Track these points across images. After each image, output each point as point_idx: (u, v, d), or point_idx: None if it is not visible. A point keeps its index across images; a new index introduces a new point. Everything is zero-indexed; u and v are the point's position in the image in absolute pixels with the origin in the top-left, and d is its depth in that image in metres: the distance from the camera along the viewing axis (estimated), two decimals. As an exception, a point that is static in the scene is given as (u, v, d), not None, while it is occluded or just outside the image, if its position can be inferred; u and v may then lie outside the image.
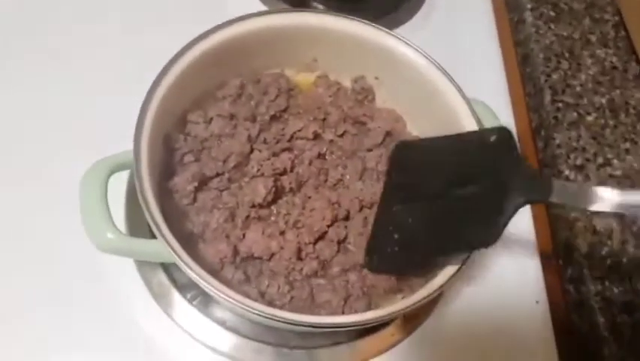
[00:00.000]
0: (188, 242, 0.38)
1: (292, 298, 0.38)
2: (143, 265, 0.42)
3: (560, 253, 0.50)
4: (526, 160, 0.34)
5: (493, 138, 0.36)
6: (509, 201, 0.33)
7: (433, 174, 0.37)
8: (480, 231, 0.34)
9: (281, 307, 0.37)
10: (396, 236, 0.36)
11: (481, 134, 0.38)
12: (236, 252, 0.39)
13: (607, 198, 0.32)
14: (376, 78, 0.47)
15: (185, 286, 0.42)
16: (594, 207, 0.32)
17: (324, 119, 0.46)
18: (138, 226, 0.43)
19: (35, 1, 0.53)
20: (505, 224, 0.33)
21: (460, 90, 0.42)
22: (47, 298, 0.40)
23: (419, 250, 0.36)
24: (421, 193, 0.36)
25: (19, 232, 0.42)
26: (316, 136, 0.44)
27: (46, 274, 0.41)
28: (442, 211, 0.36)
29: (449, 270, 0.35)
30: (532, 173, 0.35)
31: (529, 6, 0.61)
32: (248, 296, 0.34)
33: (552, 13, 0.61)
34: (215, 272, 0.37)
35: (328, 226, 0.40)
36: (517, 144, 0.35)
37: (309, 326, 0.33)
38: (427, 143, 0.40)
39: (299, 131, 0.44)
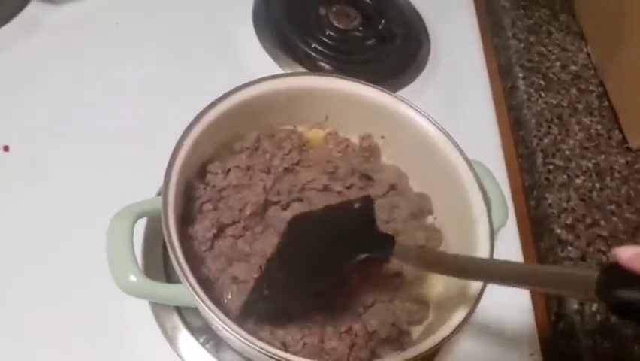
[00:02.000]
0: (205, 286, 0.40)
1: (305, 344, 0.39)
2: (158, 309, 0.43)
3: (552, 307, 0.53)
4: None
5: (357, 205, 0.41)
6: (355, 254, 0.37)
7: (306, 240, 0.42)
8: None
9: (295, 353, 0.38)
10: (265, 292, 0.39)
11: (349, 202, 0.44)
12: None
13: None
14: (382, 137, 0.51)
15: (198, 330, 0.43)
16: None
17: (333, 172, 0.48)
18: (154, 269, 0.44)
19: (65, 55, 0.56)
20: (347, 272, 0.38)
21: (460, 150, 0.45)
22: (63, 338, 0.41)
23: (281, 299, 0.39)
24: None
25: (44, 269, 0.44)
26: (325, 187, 0.47)
27: (64, 313, 0.42)
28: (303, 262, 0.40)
29: (450, 325, 0.38)
30: (381, 235, 0.39)
31: (520, 75, 0.66)
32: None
33: (542, 82, 0.65)
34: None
35: None
36: (375, 212, 0.41)
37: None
38: (311, 215, 0.44)
39: (310, 182, 0.47)
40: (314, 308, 0.40)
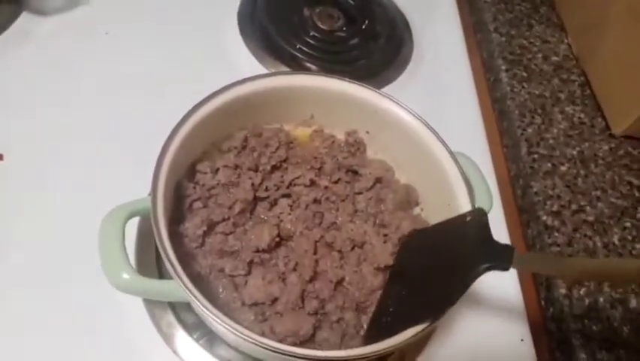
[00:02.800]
0: (197, 283, 0.40)
1: (296, 333, 0.40)
2: (153, 306, 0.44)
3: (541, 293, 0.53)
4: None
5: (468, 218, 0.42)
6: (475, 266, 0.37)
7: (424, 257, 0.43)
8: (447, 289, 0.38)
9: (288, 343, 0.39)
10: (391, 309, 0.40)
11: (460, 217, 0.43)
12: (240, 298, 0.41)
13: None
14: (367, 132, 0.52)
15: (192, 326, 0.44)
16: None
17: (319, 168, 0.49)
18: (147, 266, 0.45)
19: (56, 64, 0.57)
20: (470, 283, 0.38)
21: (443, 143, 0.46)
22: (58, 337, 0.42)
23: (408, 314, 0.40)
24: (409, 273, 0.42)
25: (33, 275, 0.44)
26: (312, 183, 0.48)
27: (58, 312, 0.43)
28: (424, 277, 0.41)
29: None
30: (501, 246, 0.39)
31: (503, 67, 0.67)
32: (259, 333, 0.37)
33: (524, 74, 0.67)
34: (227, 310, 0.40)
35: (316, 259, 0.43)
36: (489, 224, 0.40)
37: (310, 360, 0.36)
38: (423, 233, 0.45)
39: (297, 178, 0.48)
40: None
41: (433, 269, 0.41)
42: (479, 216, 0.41)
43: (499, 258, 0.37)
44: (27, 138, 0.51)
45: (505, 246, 0.38)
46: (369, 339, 0.41)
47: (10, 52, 0.57)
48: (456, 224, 0.43)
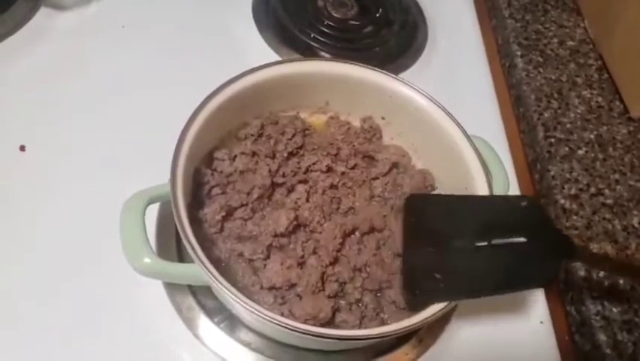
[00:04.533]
0: (217, 267, 0.41)
1: (315, 317, 0.40)
2: (173, 291, 0.45)
3: (560, 276, 0.53)
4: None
5: (524, 204, 0.41)
6: (551, 256, 0.39)
7: (454, 223, 0.42)
8: (531, 275, 0.39)
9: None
10: (437, 276, 0.39)
11: (511, 199, 0.44)
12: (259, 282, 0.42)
13: None
14: (383, 118, 0.52)
15: (213, 310, 0.44)
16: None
17: (336, 154, 0.50)
18: (167, 251, 0.46)
19: (74, 57, 0.59)
20: (557, 272, 0.40)
21: (459, 125, 0.46)
22: (80, 321, 0.43)
23: (463, 287, 0.40)
24: (449, 239, 0.41)
25: (53, 256, 0.45)
26: (329, 169, 0.48)
27: (80, 297, 0.44)
28: (483, 256, 0.39)
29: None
30: (564, 235, 0.40)
31: (518, 53, 0.66)
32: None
33: (540, 59, 0.66)
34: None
35: (341, 244, 0.43)
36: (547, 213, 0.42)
37: (331, 339, 0.36)
38: (441, 198, 0.45)
39: (313, 164, 0.48)
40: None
41: (488, 246, 0.39)
42: (537, 204, 0.42)
43: (569, 249, 0.39)
44: (48, 130, 0.52)
45: (567, 237, 0.39)
46: (414, 305, 0.40)
47: (30, 47, 0.58)
48: (503, 204, 0.42)
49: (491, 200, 0.43)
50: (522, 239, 0.38)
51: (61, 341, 0.42)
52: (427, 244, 0.41)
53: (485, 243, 0.39)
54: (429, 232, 0.42)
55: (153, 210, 0.47)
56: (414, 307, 0.41)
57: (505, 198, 0.44)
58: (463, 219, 0.41)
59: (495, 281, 0.39)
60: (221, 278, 0.36)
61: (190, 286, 0.45)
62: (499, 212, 0.41)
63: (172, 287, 0.45)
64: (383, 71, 0.49)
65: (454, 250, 0.40)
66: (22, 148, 0.51)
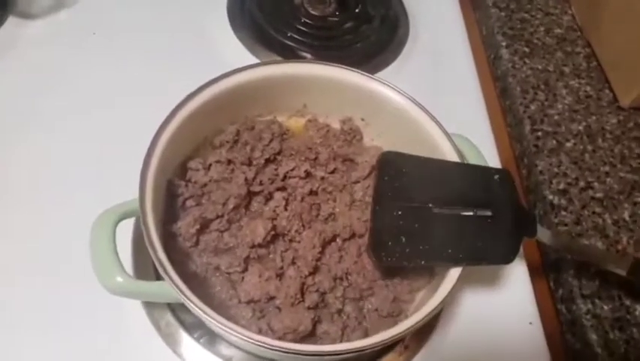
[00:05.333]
0: (193, 282, 0.40)
1: (295, 330, 0.39)
2: (151, 307, 0.44)
3: (550, 274, 0.52)
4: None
5: (496, 177, 0.42)
6: (514, 233, 0.41)
7: (426, 187, 0.42)
8: (494, 250, 0.40)
9: (288, 340, 0.38)
10: (403, 239, 0.40)
11: (485, 170, 0.44)
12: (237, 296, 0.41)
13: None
14: (362, 119, 0.50)
15: (192, 326, 0.43)
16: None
17: (315, 159, 0.48)
18: (144, 268, 0.45)
19: (45, 66, 0.57)
20: (517, 251, 0.40)
21: (439, 125, 0.45)
22: (56, 340, 0.42)
23: (427, 253, 0.40)
24: (417, 201, 0.42)
25: (30, 278, 0.44)
26: (308, 174, 0.47)
27: (55, 316, 0.43)
28: (450, 223, 0.41)
29: (437, 297, 0.38)
30: (529, 214, 0.42)
31: (503, 43, 0.65)
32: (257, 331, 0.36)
33: (526, 49, 0.64)
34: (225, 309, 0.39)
35: (320, 253, 0.42)
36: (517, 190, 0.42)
37: (309, 356, 0.35)
38: (416, 159, 0.44)
39: (291, 170, 0.47)
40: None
41: (455, 215, 0.41)
42: (509, 179, 0.42)
43: (532, 228, 0.41)
44: (17, 142, 0.51)
45: (532, 216, 0.43)
46: (379, 262, 0.41)
47: (-1, 58, 0.56)
48: (474, 174, 0.43)
49: (466, 168, 0.44)
50: (488, 213, 0.41)
51: (37, 357, 0.41)
52: (397, 205, 0.41)
53: (453, 212, 0.41)
54: (400, 193, 0.42)
55: (129, 226, 0.46)
56: (379, 266, 0.42)
57: (479, 169, 0.44)
58: (435, 184, 0.42)
59: (459, 251, 0.39)
60: (192, 296, 0.35)
61: (168, 303, 0.44)
62: (472, 182, 0.42)
63: (150, 304, 0.44)
64: (361, 72, 0.48)
65: (422, 214, 0.41)
66: (-8, 162, 0.49)
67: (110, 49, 0.59)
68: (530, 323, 0.48)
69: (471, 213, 0.41)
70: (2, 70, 0.55)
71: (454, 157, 0.44)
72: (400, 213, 0.41)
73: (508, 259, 0.40)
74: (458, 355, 0.46)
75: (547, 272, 0.53)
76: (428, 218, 0.41)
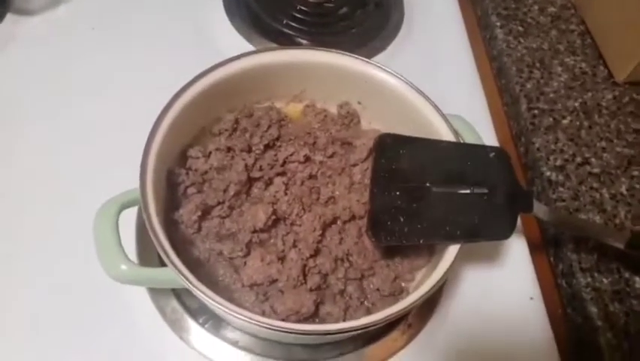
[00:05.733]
0: (196, 268, 0.41)
1: (297, 312, 0.40)
2: (157, 294, 0.44)
3: (549, 250, 0.53)
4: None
5: (492, 155, 0.43)
6: (511, 209, 0.41)
7: (423, 167, 0.43)
8: (491, 227, 0.41)
9: (291, 322, 0.39)
10: (402, 219, 0.41)
11: (480, 148, 0.44)
12: (240, 280, 0.42)
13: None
14: (359, 103, 0.51)
15: (197, 311, 0.44)
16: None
17: (313, 143, 0.49)
18: (149, 255, 0.46)
19: (45, 62, 0.58)
20: (514, 227, 0.41)
21: (435, 106, 0.45)
22: (66, 330, 0.43)
23: (425, 232, 0.41)
24: (415, 181, 0.42)
25: (36, 268, 0.45)
26: (307, 159, 0.48)
27: (65, 307, 0.44)
28: (447, 202, 0.42)
29: (437, 273, 0.38)
30: (525, 190, 0.43)
31: (498, 24, 0.65)
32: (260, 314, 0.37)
33: (520, 29, 0.65)
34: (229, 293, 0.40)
35: (321, 235, 0.43)
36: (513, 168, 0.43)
37: (312, 335, 0.36)
38: (413, 140, 0.45)
39: (291, 155, 0.47)
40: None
41: (452, 193, 0.42)
42: (505, 157, 0.43)
43: (528, 203, 0.42)
44: (19, 138, 0.52)
45: (527, 192, 0.43)
46: (378, 243, 0.42)
47: (-2, 54, 0.57)
48: (471, 153, 0.44)
49: (461, 147, 0.44)
50: (484, 190, 0.41)
51: (46, 346, 0.42)
52: (395, 186, 0.42)
53: (450, 190, 0.42)
54: (398, 174, 0.43)
55: (132, 214, 0.46)
56: (379, 243, 0.43)
57: (475, 147, 0.45)
58: (432, 164, 0.43)
59: (456, 228, 0.40)
60: (195, 281, 0.35)
61: (173, 289, 0.45)
62: (468, 160, 0.43)
63: (155, 290, 0.45)
64: (356, 56, 0.48)
65: (419, 194, 0.42)
66: (-5, 159, 0.50)
67: (109, 43, 0.60)
68: (531, 298, 0.49)
69: (468, 191, 0.42)
70: (2, 66, 0.56)
71: (450, 137, 0.44)
72: (397, 193, 0.42)
73: (505, 234, 0.41)
74: (461, 332, 0.47)
75: (547, 248, 0.53)
76: (426, 197, 0.42)
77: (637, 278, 0.48)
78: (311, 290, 0.42)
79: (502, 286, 0.49)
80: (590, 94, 0.60)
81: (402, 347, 0.45)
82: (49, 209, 0.48)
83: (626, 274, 0.49)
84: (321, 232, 0.43)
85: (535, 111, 0.58)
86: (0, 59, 0.57)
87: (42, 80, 0.56)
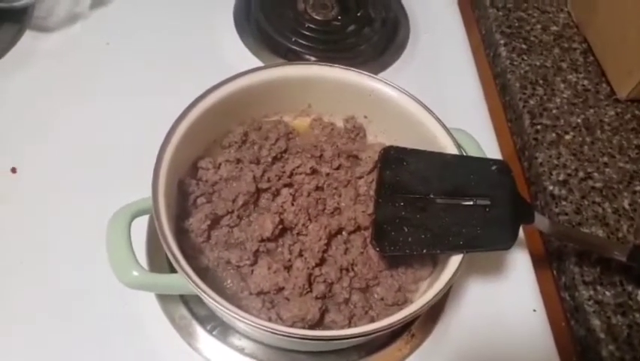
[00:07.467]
0: (205, 275, 0.42)
1: (303, 319, 0.41)
2: (166, 301, 0.45)
3: (553, 262, 0.53)
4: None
5: (494, 168, 0.44)
6: (512, 220, 0.42)
7: (427, 179, 0.44)
8: (493, 237, 0.42)
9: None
10: (406, 229, 0.42)
11: (483, 161, 0.46)
12: (248, 287, 0.43)
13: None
14: (365, 117, 0.52)
15: (205, 318, 0.45)
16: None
17: (320, 156, 0.50)
18: (159, 263, 0.47)
19: (62, 76, 0.60)
20: (516, 237, 0.42)
21: (439, 120, 0.46)
22: (77, 334, 0.44)
23: (429, 242, 0.42)
24: (419, 193, 0.44)
25: (49, 274, 0.46)
26: (313, 171, 0.49)
27: (75, 312, 0.45)
28: (450, 213, 0.43)
29: (440, 282, 0.39)
30: (526, 202, 0.44)
31: (502, 41, 0.66)
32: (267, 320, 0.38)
33: (524, 46, 0.66)
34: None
35: (327, 245, 0.44)
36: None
37: (317, 340, 0.37)
38: (417, 152, 0.46)
39: (298, 167, 0.49)
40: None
41: (455, 205, 0.43)
42: (507, 170, 0.44)
43: (529, 215, 0.43)
44: (39, 151, 0.53)
45: (528, 204, 0.44)
46: (383, 253, 0.42)
47: (17, 70, 0.59)
48: (473, 166, 0.45)
49: (465, 160, 0.46)
50: (486, 202, 0.43)
51: (56, 350, 0.43)
52: (399, 197, 0.43)
53: (454, 201, 0.43)
54: (402, 185, 0.44)
55: (143, 223, 0.48)
56: (384, 257, 0.44)
57: (478, 160, 0.46)
58: (435, 176, 0.44)
59: (459, 238, 0.41)
60: (204, 287, 0.36)
61: (182, 296, 0.46)
62: (471, 172, 0.44)
63: (164, 297, 0.46)
64: (362, 71, 0.50)
65: (423, 205, 0.43)
66: (14, 170, 0.52)
67: (122, 58, 0.62)
68: (534, 311, 0.49)
69: (470, 203, 0.43)
70: (20, 83, 0.58)
71: (454, 151, 0.46)
72: (401, 204, 0.43)
73: (507, 244, 0.41)
74: (464, 343, 0.47)
75: (550, 261, 0.54)
76: (429, 208, 0.43)
77: (639, 291, 0.49)
78: (316, 298, 0.43)
79: (505, 299, 0.50)
80: (592, 110, 0.61)
81: (405, 357, 0.46)
82: (65, 216, 0.49)
83: (629, 287, 0.49)
84: (326, 241, 0.44)
85: (539, 127, 0.59)
86: (20, 72, 0.59)
87: (59, 92, 0.58)
